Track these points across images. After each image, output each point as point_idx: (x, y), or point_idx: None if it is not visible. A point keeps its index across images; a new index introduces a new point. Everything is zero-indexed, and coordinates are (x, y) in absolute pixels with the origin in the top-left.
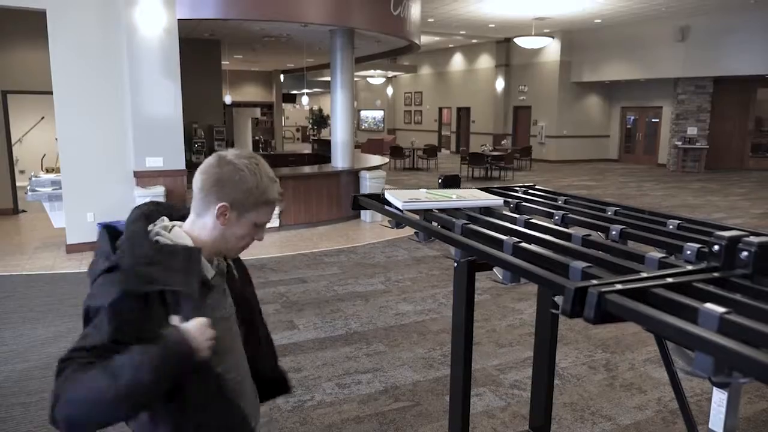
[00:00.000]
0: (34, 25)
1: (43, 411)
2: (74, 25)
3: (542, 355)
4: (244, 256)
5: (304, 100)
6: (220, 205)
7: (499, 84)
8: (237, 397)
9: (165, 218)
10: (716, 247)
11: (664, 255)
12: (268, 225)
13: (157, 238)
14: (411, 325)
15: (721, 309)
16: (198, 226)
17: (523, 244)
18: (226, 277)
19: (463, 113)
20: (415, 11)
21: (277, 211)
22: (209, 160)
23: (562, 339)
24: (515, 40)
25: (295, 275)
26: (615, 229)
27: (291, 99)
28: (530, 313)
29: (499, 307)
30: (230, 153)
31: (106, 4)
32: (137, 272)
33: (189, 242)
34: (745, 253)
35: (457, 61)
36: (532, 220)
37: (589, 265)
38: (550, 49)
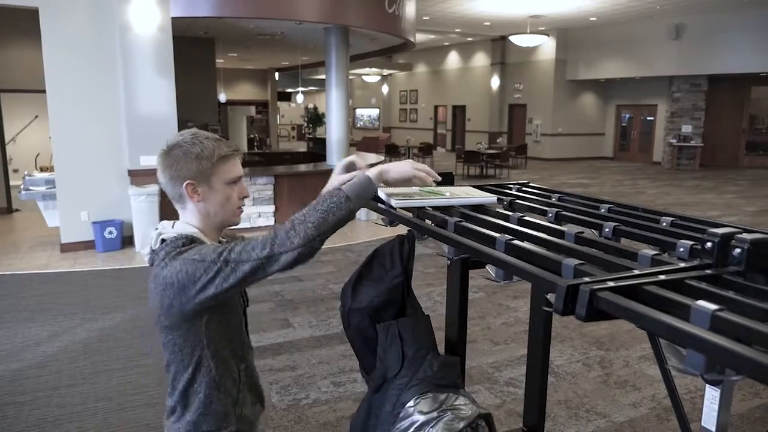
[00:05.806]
0: (26, 23)
1: (36, 411)
2: (67, 23)
3: (536, 352)
4: None
5: (299, 98)
6: (185, 184)
7: (495, 82)
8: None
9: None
10: (709, 244)
11: (656, 252)
12: (264, 223)
13: (162, 236)
14: None
15: (713, 306)
16: (188, 217)
17: (516, 242)
18: None
19: (459, 111)
20: (410, 9)
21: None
22: (158, 158)
23: (556, 336)
24: (510, 38)
25: (290, 273)
26: (608, 227)
27: (286, 97)
28: (525, 311)
29: (494, 304)
30: (169, 139)
31: (100, 1)
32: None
33: (191, 230)
34: (737, 250)
35: (453, 59)
36: (525, 218)
37: (582, 262)
38: (546, 47)
